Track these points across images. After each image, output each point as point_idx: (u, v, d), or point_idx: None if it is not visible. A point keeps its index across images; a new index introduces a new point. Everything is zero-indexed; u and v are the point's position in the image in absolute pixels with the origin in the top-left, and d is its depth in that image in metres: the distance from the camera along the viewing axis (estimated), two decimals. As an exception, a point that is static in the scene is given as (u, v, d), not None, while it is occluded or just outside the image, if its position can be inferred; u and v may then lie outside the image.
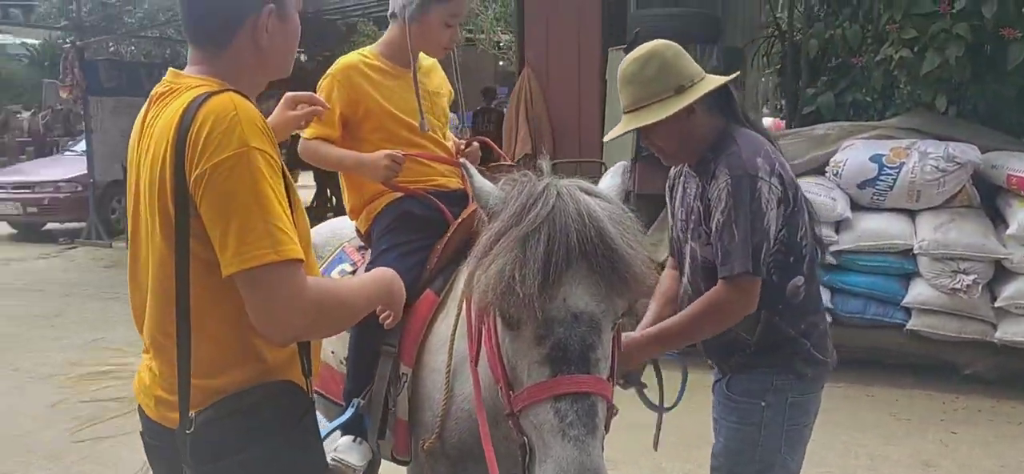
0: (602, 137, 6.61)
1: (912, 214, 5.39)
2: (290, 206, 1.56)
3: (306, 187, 12.63)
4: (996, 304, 5.07)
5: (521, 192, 1.59)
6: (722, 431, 2.37)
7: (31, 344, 6.33)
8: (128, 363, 5.27)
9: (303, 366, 1.65)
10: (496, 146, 2.62)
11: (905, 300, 5.27)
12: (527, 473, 1.56)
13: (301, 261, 1.50)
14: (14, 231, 11.71)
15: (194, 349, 1.54)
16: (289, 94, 2.17)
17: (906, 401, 5.07)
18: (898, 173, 5.28)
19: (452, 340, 2.05)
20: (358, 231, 2.56)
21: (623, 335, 2.10)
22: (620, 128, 2.32)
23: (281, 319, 1.48)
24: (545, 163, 1.75)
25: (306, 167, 11.51)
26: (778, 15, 7.08)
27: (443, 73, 2.62)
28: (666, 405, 2.37)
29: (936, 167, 5.19)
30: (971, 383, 5.21)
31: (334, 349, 2.39)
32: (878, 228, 5.37)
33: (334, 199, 12.55)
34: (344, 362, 2.29)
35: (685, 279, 2.37)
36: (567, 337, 1.49)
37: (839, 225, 5.45)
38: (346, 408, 2.16)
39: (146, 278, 1.62)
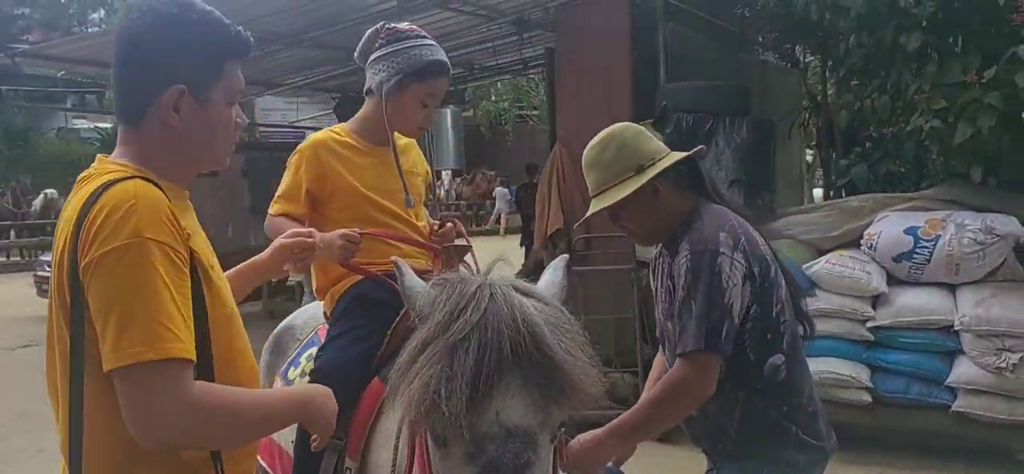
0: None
1: (953, 288, 5.18)
2: (205, 302, 1.51)
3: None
4: (1047, 385, 4.79)
5: (452, 294, 1.48)
6: None
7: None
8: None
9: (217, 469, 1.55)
10: (462, 227, 2.58)
11: (949, 379, 5.01)
12: None
13: (187, 361, 1.42)
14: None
15: (90, 451, 1.47)
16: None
17: (955, 488, 4.81)
18: (934, 246, 5.09)
19: (397, 437, 1.98)
20: (325, 313, 2.54)
21: (580, 436, 2.03)
22: (589, 212, 2.31)
23: (154, 422, 1.39)
24: (474, 264, 1.69)
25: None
26: (812, 86, 6.99)
27: (419, 151, 2.61)
28: None
29: (974, 239, 4.98)
30: (1024, 469, 4.90)
31: None
32: (917, 303, 5.15)
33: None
34: (293, 443, 2.23)
35: (667, 360, 2.31)
36: (500, 455, 1.35)
37: (876, 300, 5.26)
38: None
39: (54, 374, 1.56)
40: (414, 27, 2.49)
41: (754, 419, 2.18)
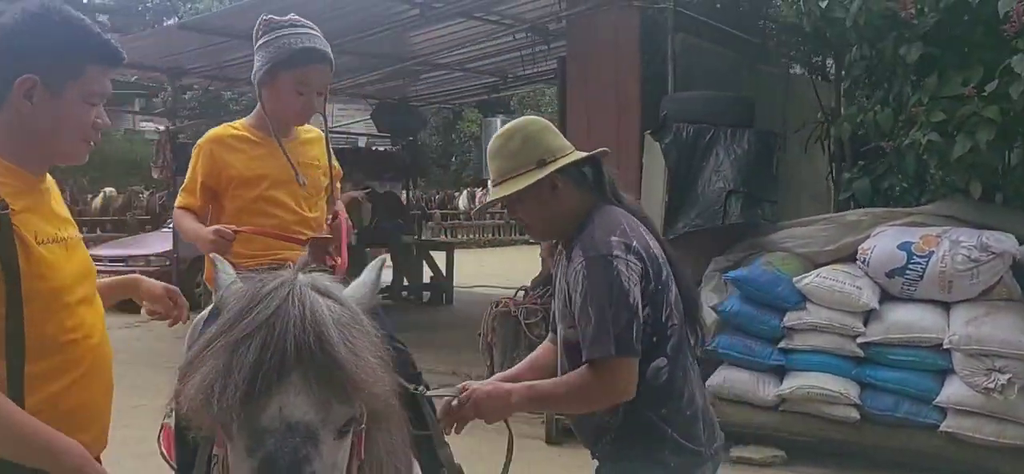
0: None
1: (948, 306, 5.06)
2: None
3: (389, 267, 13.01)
4: (1036, 407, 4.65)
5: (248, 292, 1.49)
6: None
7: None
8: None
9: None
10: (348, 224, 2.61)
11: (938, 399, 4.90)
12: None
13: None
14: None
15: None
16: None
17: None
18: (927, 262, 4.98)
19: None
20: None
21: (499, 383, 2.11)
22: (487, 199, 2.34)
23: None
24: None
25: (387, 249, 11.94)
26: (825, 98, 6.87)
27: (324, 149, 2.68)
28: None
29: (968, 256, 4.86)
30: (1013, 493, 4.76)
31: None
32: (909, 320, 5.06)
33: (406, 279, 12.84)
34: None
35: (558, 360, 2.34)
36: (278, 450, 1.37)
37: (868, 316, 5.17)
38: None
39: None
40: (294, 17, 2.53)
41: (632, 420, 2.19)
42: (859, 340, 5.14)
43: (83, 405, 1.88)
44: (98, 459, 1.91)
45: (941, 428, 4.88)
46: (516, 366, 2.54)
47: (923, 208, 5.50)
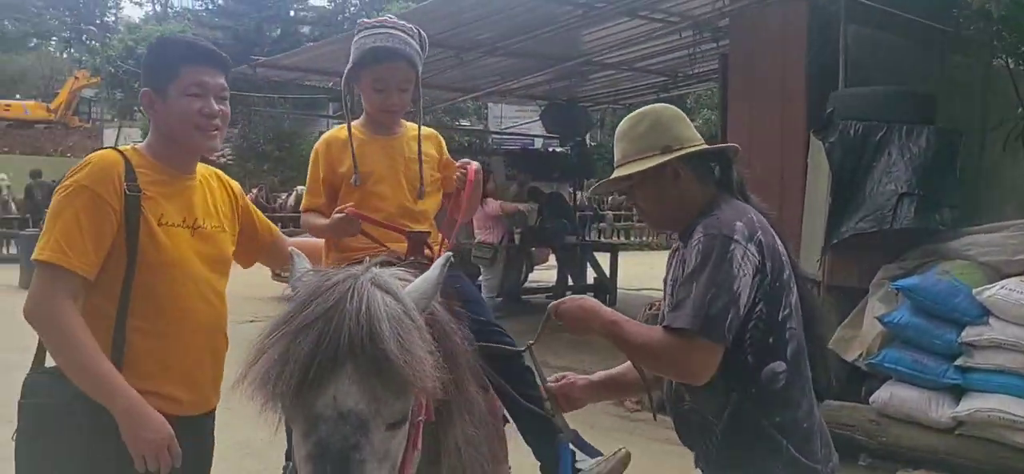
0: (803, 233, 6.20)
1: None
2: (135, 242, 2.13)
3: (550, 268, 13.07)
4: None
5: (313, 284, 1.59)
6: None
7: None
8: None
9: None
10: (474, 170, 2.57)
11: None
12: None
13: (60, 268, 2.03)
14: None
15: None
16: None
17: None
18: None
19: None
20: None
21: (592, 300, 2.16)
22: (604, 181, 2.33)
23: (27, 300, 2.07)
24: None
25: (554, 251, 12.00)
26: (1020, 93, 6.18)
27: (440, 147, 2.71)
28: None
29: None
30: None
31: None
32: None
33: (571, 279, 12.84)
34: None
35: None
36: (329, 437, 1.46)
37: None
38: None
39: None
40: (386, 18, 2.60)
41: (743, 425, 2.07)
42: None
43: (180, 366, 2.21)
44: (204, 416, 2.30)
45: None
46: (620, 367, 2.47)
47: None
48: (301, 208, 2.68)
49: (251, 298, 13.15)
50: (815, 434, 2.13)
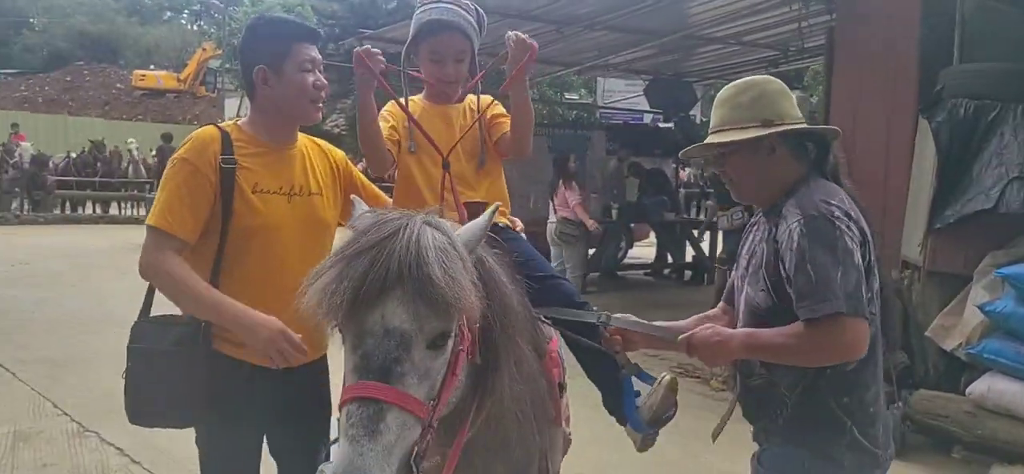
0: (906, 215, 5.95)
1: None
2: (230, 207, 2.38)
3: (648, 245, 13.00)
4: None
5: (371, 220, 1.75)
6: None
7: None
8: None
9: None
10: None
11: None
12: None
13: (164, 232, 2.32)
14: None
15: None
16: None
17: None
18: None
19: None
20: None
21: (720, 328, 2.16)
22: (698, 145, 2.33)
23: (140, 262, 2.35)
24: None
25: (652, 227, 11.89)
26: None
27: (499, 106, 2.72)
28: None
29: None
30: None
31: None
32: None
33: (670, 257, 12.72)
34: None
35: (739, 324, 2.27)
36: (373, 350, 1.62)
37: None
38: None
39: None
40: None
41: (812, 402, 2.09)
42: None
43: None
44: (302, 367, 2.42)
45: None
46: (686, 320, 2.48)
47: None
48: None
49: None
50: (879, 419, 2.13)
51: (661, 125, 14.75)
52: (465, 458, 1.92)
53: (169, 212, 2.34)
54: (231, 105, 32.72)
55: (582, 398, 2.58)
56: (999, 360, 4.82)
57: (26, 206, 20.55)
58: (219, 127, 2.49)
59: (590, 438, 4.03)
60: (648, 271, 12.78)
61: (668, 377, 2.44)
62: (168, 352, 2.39)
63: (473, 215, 2.47)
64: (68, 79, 40.71)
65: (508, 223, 2.66)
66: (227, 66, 29.84)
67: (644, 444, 2.48)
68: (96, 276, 11.55)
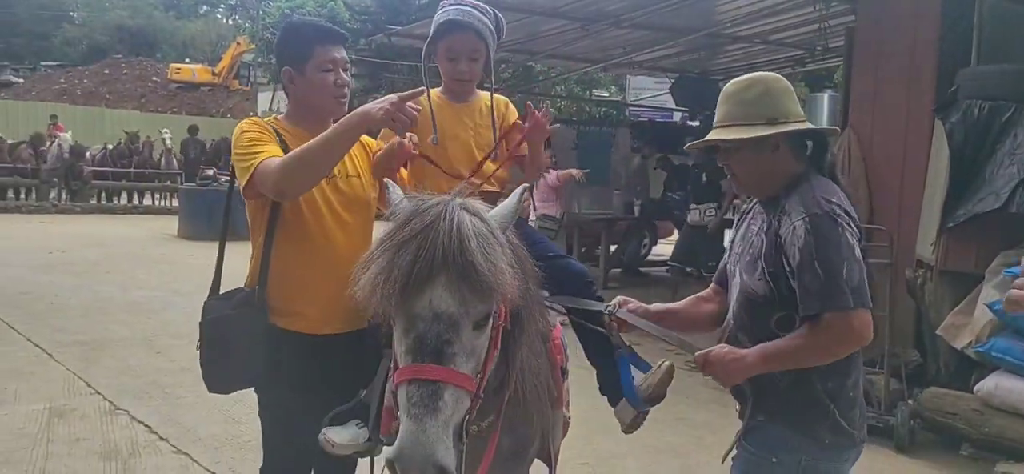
0: (922, 215, 5.99)
1: None
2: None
3: (672, 242, 13.00)
4: None
5: (411, 207, 1.88)
6: None
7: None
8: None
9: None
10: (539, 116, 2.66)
11: None
12: None
13: (266, 160, 2.44)
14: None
15: None
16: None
17: None
18: None
19: None
20: None
21: (732, 348, 2.25)
22: (704, 140, 2.41)
23: (265, 186, 2.45)
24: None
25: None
26: None
27: (511, 118, 2.83)
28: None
29: None
30: None
31: None
32: None
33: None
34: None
35: (731, 309, 2.39)
36: (425, 333, 1.76)
37: None
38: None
39: None
40: None
41: (802, 385, 2.20)
42: None
43: (319, 291, 2.58)
44: (348, 334, 2.61)
45: None
46: (679, 303, 2.62)
47: None
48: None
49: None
50: (857, 404, 2.25)
51: (689, 123, 14.76)
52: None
53: (258, 151, 2.50)
54: (264, 99, 33.09)
55: (591, 387, 2.69)
56: (1007, 358, 4.86)
57: (64, 195, 21.06)
58: (272, 119, 2.72)
59: (599, 427, 4.16)
60: (666, 268, 12.81)
61: (667, 363, 2.55)
62: (233, 316, 2.60)
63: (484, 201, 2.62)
64: (106, 72, 41.42)
65: None
66: (260, 60, 30.23)
67: (632, 425, 2.59)
68: (129, 265, 11.85)
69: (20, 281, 10.09)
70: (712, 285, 2.62)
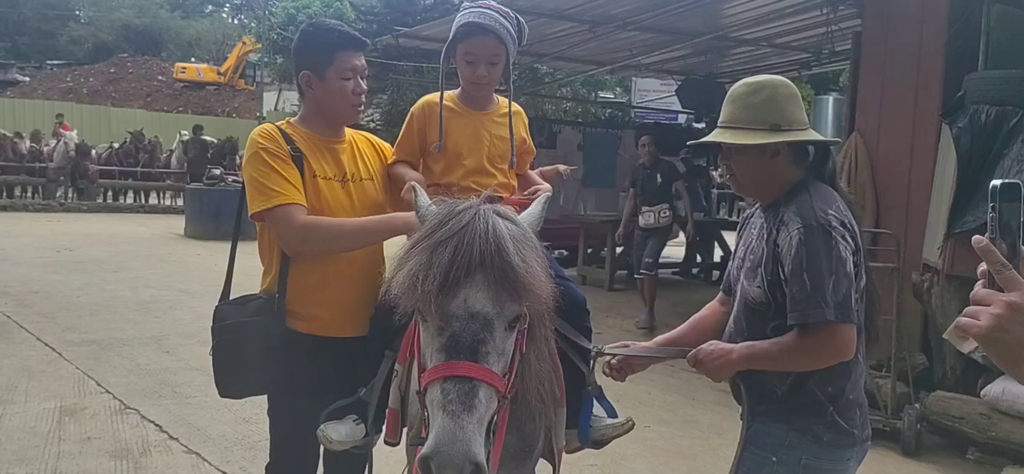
0: (928, 220, 6.00)
1: None
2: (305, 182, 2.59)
3: (678, 245, 13.01)
4: None
5: (444, 210, 1.90)
6: None
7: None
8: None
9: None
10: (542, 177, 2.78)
11: None
12: None
13: (289, 204, 2.48)
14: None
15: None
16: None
17: None
18: None
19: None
20: None
21: (721, 343, 2.31)
22: (707, 138, 2.42)
23: (283, 240, 2.53)
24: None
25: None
26: None
27: (523, 126, 2.86)
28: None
29: None
30: None
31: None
32: None
33: (699, 256, 12.74)
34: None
35: (732, 313, 2.43)
36: (461, 332, 1.77)
37: None
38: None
39: None
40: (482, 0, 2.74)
41: (801, 389, 2.24)
42: None
43: (337, 295, 2.64)
44: (330, 337, 2.66)
45: None
46: (679, 328, 2.63)
47: None
48: (390, 161, 2.89)
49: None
50: (856, 405, 2.28)
51: (694, 125, 14.77)
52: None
53: (279, 188, 2.50)
54: (269, 98, 33.09)
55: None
56: (1013, 363, 4.86)
57: (70, 194, 21.13)
58: (273, 124, 2.71)
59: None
60: (675, 271, 12.85)
61: (631, 423, 2.61)
62: (248, 323, 2.62)
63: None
64: (112, 71, 41.58)
65: None
66: (266, 60, 30.25)
67: (569, 449, 2.60)
68: (136, 264, 11.90)
69: (29, 280, 10.14)
70: (719, 294, 2.64)
